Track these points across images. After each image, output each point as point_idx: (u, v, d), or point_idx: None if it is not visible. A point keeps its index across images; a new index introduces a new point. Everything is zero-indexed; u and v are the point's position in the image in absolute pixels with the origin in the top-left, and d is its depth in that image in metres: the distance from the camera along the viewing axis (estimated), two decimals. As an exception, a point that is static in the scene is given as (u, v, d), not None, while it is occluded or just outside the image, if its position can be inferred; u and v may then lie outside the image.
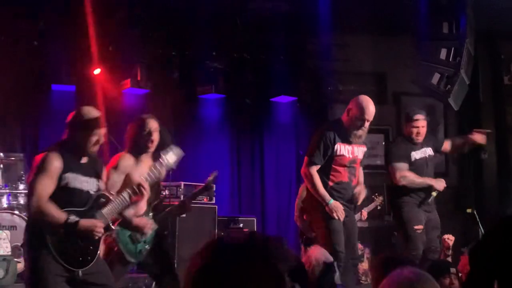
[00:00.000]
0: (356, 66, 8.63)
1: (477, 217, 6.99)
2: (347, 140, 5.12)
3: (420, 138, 5.83)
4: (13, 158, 6.65)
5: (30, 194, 3.75)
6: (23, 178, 6.37)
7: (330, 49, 8.45)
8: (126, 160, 4.50)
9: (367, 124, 5.11)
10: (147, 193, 4.06)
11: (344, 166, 5.12)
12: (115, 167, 4.54)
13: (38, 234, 3.69)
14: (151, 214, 4.64)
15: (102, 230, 3.86)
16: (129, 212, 4.44)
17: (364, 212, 6.95)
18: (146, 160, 4.62)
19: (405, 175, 5.67)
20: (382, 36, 8.63)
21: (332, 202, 4.92)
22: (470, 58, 6.74)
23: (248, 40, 8.15)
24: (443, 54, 6.61)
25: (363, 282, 7.17)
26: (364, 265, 7.41)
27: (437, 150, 6.04)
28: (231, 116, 8.58)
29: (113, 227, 4.00)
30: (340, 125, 5.17)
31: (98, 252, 3.89)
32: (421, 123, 5.82)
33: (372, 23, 8.13)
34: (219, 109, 8.49)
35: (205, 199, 6.97)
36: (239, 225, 7.32)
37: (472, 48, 6.76)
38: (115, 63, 7.59)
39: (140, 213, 4.54)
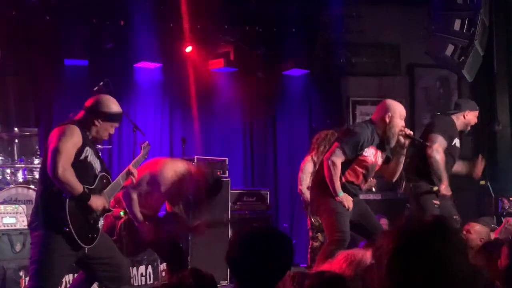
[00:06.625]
0: (369, 38, 8.55)
1: (490, 189, 6.99)
2: (377, 145, 4.95)
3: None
4: (28, 133, 6.68)
5: (55, 159, 3.64)
6: (38, 152, 6.41)
7: (343, 20, 8.37)
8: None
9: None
10: (135, 179, 4.29)
11: (364, 168, 4.95)
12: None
13: (58, 209, 3.68)
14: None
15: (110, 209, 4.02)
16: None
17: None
18: None
19: (440, 151, 5.60)
20: (395, 6, 8.53)
21: (342, 194, 4.82)
22: (484, 28, 6.65)
23: (260, 13, 8.09)
24: (457, 25, 6.52)
25: None
26: None
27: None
28: (243, 90, 8.56)
29: (110, 208, 4.10)
30: (374, 128, 4.94)
31: (101, 228, 3.95)
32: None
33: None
34: (231, 83, 8.47)
35: (218, 173, 7.00)
36: (253, 198, 7.35)
37: (486, 18, 6.67)
38: (127, 37, 7.58)
39: None
